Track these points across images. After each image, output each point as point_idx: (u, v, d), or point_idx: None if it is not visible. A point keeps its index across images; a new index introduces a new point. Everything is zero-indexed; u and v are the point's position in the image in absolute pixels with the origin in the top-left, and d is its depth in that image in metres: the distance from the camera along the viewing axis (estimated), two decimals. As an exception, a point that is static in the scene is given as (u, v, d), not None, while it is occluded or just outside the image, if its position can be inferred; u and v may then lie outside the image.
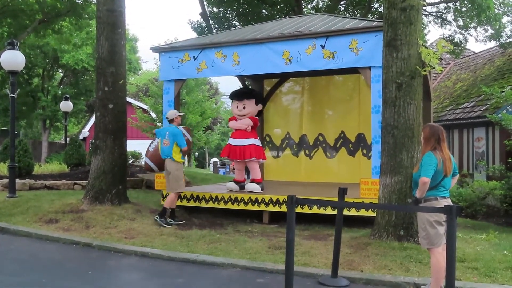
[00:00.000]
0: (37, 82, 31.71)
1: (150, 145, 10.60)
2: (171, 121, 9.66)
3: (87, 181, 10.82)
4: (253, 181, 10.66)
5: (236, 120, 10.92)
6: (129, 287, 6.15)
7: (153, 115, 24.06)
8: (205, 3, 22.00)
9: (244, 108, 10.84)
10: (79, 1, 19.05)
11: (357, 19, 10.95)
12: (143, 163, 19.87)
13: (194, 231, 9.01)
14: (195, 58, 10.63)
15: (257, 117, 11.00)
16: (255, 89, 12.19)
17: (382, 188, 7.77)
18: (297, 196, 5.21)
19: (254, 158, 10.52)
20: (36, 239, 8.57)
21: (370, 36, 9.13)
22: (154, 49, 11.17)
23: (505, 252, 7.19)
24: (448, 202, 5.42)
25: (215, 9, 22.31)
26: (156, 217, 9.29)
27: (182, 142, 9.42)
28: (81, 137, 33.09)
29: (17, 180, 12.01)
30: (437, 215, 5.29)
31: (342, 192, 6.32)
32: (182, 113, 10.34)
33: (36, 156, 29.65)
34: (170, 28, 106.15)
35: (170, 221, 9.36)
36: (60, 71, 33.99)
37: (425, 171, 5.31)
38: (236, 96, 11.06)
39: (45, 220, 9.47)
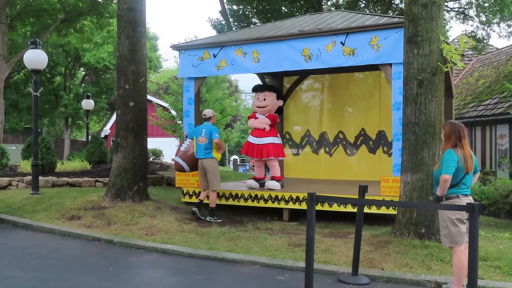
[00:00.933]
0: (59, 81, 32.13)
1: (181, 146, 10.59)
2: (208, 119, 9.95)
3: (108, 179, 10.92)
4: (272, 178, 10.67)
5: (255, 114, 11.05)
6: (150, 283, 6.19)
7: (174, 113, 24.19)
8: (225, 1, 22.03)
9: (265, 99, 10.93)
10: (100, 0, 19.21)
11: (377, 15, 10.86)
12: (163, 160, 20.04)
13: (214, 228, 9.05)
14: (215, 56, 10.66)
15: (276, 114, 11.00)
16: (276, 87, 12.19)
17: (403, 186, 7.71)
18: (317, 194, 5.20)
19: (272, 157, 10.54)
20: (59, 236, 8.69)
21: (391, 33, 9.06)
22: (174, 47, 11.23)
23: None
24: (470, 200, 5.36)
25: (234, 7, 22.33)
26: (210, 218, 9.63)
27: (215, 135, 9.68)
28: (102, 135, 33.45)
29: (40, 177, 12.18)
30: (459, 213, 5.23)
31: (363, 189, 6.29)
32: (215, 114, 10.57)
33: (58, 153, 29.96)
34: (190, 26, 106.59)
35: (209, 218, 9.65)
36: (82, 69, 34.38)
37: (446, 168, 5.26)
38: (258, 88, 11.32)
39: (67, 216, 9.59)
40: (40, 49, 11.54)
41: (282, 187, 10.55)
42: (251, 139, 10.82)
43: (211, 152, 9.80)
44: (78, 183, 12.70)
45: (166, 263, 7.10)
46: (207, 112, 10.05)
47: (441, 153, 5.51)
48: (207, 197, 10.05)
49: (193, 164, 10.20)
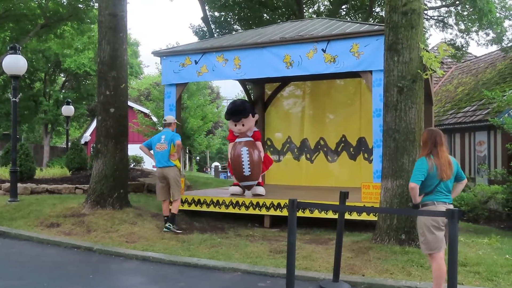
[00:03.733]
0: (39, 87, 31.76)
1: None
2: (168, 125, 9.58)
3: (88, 185, 10.81)
4: (258, 184, 10.67)
5: (233, 133, 10.88)
6: (130, 291, 6.14)
7: (155, 119, 24.09)
8: (206, 7, 22.03)
9: (243, 125, 10.69)
10: (81, 6, 19.05)
11: (358, 23, 10.97)
12: (144, 167, 19.86)
13: (195, 235, 9.01)
14: (196, 62, 10.65)
15: (259, 131, 11.03)
16: (246, 101, 11.88)
17: (383, 192, 7.76)
18: (298, 200, 5.21)
19: (265, 172, 10.87)
20: (37, 243, 8.56)
21: (371, 40, 9.14)
22: (156, 53, 11.19)
23: (507, 256, 7.16)
24: (448, 207, 5.32)
25: (216, 14, 22.33)
26: (169, 225, 9.17)
27: (178, 138, 9.34)
28: (82, 142, 33.14)
29: (19, 184, 12.00)
30: (434, 220, 5.24)
31: (344, 196, 6.31)
32: (179, 124, 10.42)
33: (38, 160, 29.59)
34: (171, 32, 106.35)
35: (168, 225, 9.22)
36: (62, 75, 34.05)
37: (413, 176, 5.31)
38: (233, 116, 10.75)
39: (46, 224, 9.46)
40: (19, 54, 11.41)
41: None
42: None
43: (171, 160, 9.35)
44: (58, 190, 12.55)
45: (147, 270, 7.04)
46: (169, 118, 9.73)
47: (461, 163, 5.50)
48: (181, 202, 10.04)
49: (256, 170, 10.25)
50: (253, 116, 10.87)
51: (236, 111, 10.74)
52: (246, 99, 14.27)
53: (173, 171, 9.31)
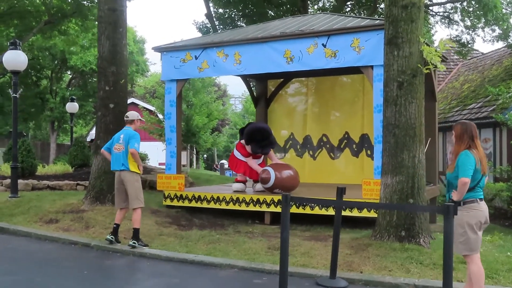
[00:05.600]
0: (45, 84, 31.83)
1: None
2: (129, 122, 8.13)
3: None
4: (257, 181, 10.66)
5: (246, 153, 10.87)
6: (122, 286, 6.07)
7: (160, 116, 24.03)
8: (210, 4, 21.95)
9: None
10: (85, 3, 19.04)
11: (359, 17, 10.85)
12: (149, 164, 19.82)
13: (194, 231, 8.94)
14: (196, 58, 10.57)
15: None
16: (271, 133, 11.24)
17: (383, 188, 7.65)
18: (292, 195, 5.13)
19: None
20: (35, 239, 8.53)
21: (372, 35, 9.02)
22: (156, 49, 11.12)
23: (509, 253, 7.05)
24: (485, 204, 5.04)
25: (220, 10, 22.25)
26: (134, 243, 7.68)
27: (134, 144, 7.79)
28: (88, 139, 33.15)
29: (20, 181, 12.00)
30: (477, 217, 4.93)
31: (341, 191, 6.21)
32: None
33: (45, 157, 29.73)
34: (177, 29, 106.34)
35: (133, 242, 7.70)
36: (69, 72, 34.10)
37: (464, 171, 4.87)
38: (261, 149, 10.66)
39: (45, 220, 9.43)
40: (19, 50, 11.38)
41: None
42: (239, 155, 10.86)
43: (129, 163, 7.90)
44: (59, 186, 12.52)
45: (142, 266, 6.99)
46: (130, 114, 8.23)
47: (453, 155, 5.12)
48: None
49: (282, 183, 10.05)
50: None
51: (266, 145, 10.64)
52: (249, 95, 14.18)
53: (132, 175, 7.88)
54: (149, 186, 12.97)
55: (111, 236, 7.91)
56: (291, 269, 5.96)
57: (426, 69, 7.52)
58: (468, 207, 4.95)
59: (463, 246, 4.96)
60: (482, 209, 4.96)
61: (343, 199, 6.36)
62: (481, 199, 5.01)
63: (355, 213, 8.97)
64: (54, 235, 8.57)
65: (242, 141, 10.73)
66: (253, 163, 10.69)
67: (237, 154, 10.87)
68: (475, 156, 4.97)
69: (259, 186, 10.55)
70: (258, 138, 10.51)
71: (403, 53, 7.45)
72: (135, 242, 7.72)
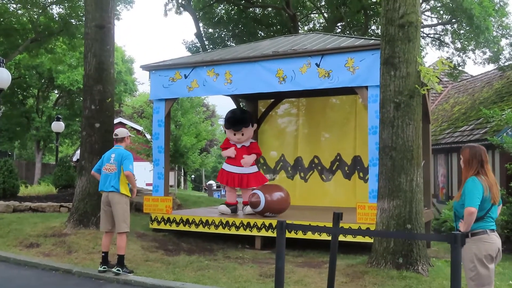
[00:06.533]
0: (31, 103, 31.41)
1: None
2: (119, 140, 7.74)
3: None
4: (246, 204, 10.30)
5: (229, 141, 10.77)
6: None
7: (148, 136, 23.70)
8: (200, 24, 21.79)
9: (243, 135, 10.62)
10: (73, 21, 18.78)
11: (353, 37, 10.68)
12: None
13: (182, 256, 8.58)
14: (186, 77, 10.30)
15: (256, 142, 10.74)
16: (246, 111, 11.80)
17: (379, 213, 7.37)
18: (288, 221, 4.81)
19: (254, 187, 10.34)
20: (14, 264, 8.09)
21: (367, 55, 8.81)
22: (145, 67, 10.83)
23: (510, 282, 6.77)
24: (497, 236, 4.66)
25: (210, 30, 22.10)
26: (118, 270, 7.30)
27: (128, 166, 7.44)
28: (75, 159, 32.65)
29: (1, 202, 11.60)
30: (487, 250, 4.55)
31: (337, 217, 5.88)
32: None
33: (30, 177, 29.17)
34: (166, 49, 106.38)
35: (117, 270, 7.31)
36: (56, 91, 33.71)
37: (471, 200, 4.51)
38: (232, 125, 10.66)
39: (25, 244, 9.00)
40: (3, 67, 11.06)
41: None
42: (230, 168, 10.56)
43: (121, 185, 7.51)
44: (42, 208, 12.07)
45: (127, 295, 6.61)
46: (120, 131, 7.83)
47: (461, 184, 4.73)
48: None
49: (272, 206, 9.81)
50: (253, 126, 10.78)
51: (237, 120, 10.62)
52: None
53: (121, 197, 7.49)
54: (135, 208, 12.56)
55: (103, 266, 7.45)
56: (284, 299, 5.62)
57: (423, 90, 7.31)
58: (477, 239, 4.57)
59: (473, 283, 4.59)
60: (493, 241, 4.56)
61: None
62: (492, 230, 4.61)
63: (349, 238, 8.65)
64: (34, 260, 8.14)
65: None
66: (229, 152, 10.62)
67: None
68: (483, 183, 4.60)
69: (248, 209, 10.22)
70: (228, 116, 10.84)
71: (400, 74, 7.24)
72: (119, 269, 7.33)
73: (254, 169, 10.69)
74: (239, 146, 10.67)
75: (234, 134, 10.61)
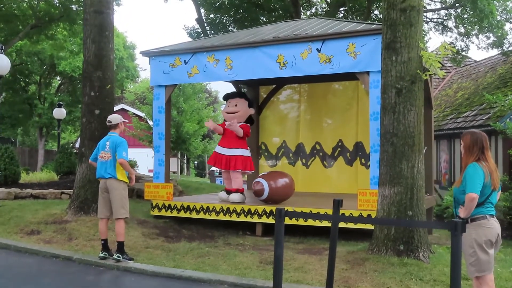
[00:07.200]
0: (34, 90, 31.34)
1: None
2: (113, 127, 7.66)
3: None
4: (236, 191, 10.16)
5: (225, 122, 10.55)
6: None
7: (150, 123, 23.66)
8: (201, 9, 21.61)
9: (236, 105, 10.50)
10: (73, 7, 18.63)
11: (355, 22, 10.56)
12: (138, 171, 19.36)
13: (183, 243, 8.56)
14: (186, 63, 10.21)
15: (248, 125, 10.51)
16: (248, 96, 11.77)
17: (380, 200, 7.32)
18: (289, 208, 4.76)
19: (240, 169, 10.09)
20: (15, 252, 8.09)
21: (369, 40, 8.70)
22: (144, 53, 10.75)
23: (512, 269, 6.73)
24: (497, 221, 4.68)
25: (211, 15, 21.91)
26: (118, 256, 7.31)
27: (122, 154, 7.38)
28: (77, 145, 32.67)
29: (2, 189, 11.58)
30: (487, 236, 4.57)
31: (337, 204, 5.82)
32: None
33: (32, 164, 29.20)
34: (168, 35, 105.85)
35: (117, 256, 7.34)
36: (58, 78, 33.62)
37: (472, 185, 4.53)
38: (230, 95, 10.85)
39: (26, 231, 9.00)
40: (3, 53, 10.98)
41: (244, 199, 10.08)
42: (219, 149, 10.38)
43: (117, 172, 7.48)
44: (43, 195, 12.06)
45: (126, 282, 6.61)
46: (113, 117, 7.75)
47: (462, 170, 4.70)
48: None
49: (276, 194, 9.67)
50: (249, 107, 10.63)
51: (234, 92, 10.90)
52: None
53: (118, 183, 7.46)
54: (136, 195, 12.57)
55: (104, 253, 7.46)
56: (284, 286, 5.58)
57: (425, 75, 7.22)
58: (477, 225, 4.59)
59: (473, 268, 4.61)
60: (492, 226, 4.59)
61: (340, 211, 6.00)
62: (491, 216, 4.63)
63: (350, 224, 8.61)
64: (35, 247, 8.14)
65: None
66: (218, 128, 10.53)
67: None
68: (484, 169, 4.60)
69: (233, 197, 10.03)
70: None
71: (402, 59, 7.14)
72: (120, 255, 7.33)
73: (244, 152, 10.23)
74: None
75: (228, 105, 10.64)
